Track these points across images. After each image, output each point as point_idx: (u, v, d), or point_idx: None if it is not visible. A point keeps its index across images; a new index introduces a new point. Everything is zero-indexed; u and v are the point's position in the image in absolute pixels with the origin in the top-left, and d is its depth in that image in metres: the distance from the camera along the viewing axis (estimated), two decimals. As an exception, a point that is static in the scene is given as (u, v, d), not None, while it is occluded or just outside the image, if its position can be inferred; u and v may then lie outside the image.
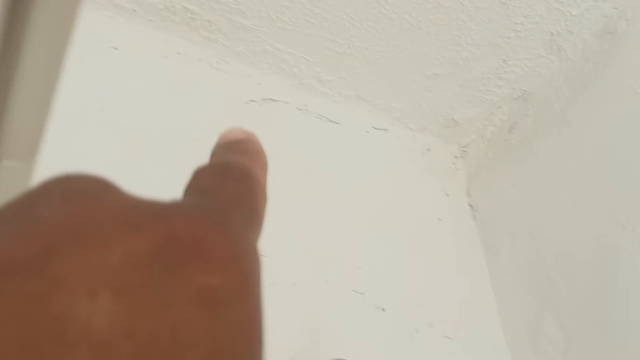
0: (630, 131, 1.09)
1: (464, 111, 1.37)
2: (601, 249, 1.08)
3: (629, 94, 1.10)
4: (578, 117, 1.19)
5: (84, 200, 0.20)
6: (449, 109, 1.36)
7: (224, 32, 1.19)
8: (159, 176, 1.01)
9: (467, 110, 1.37)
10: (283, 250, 1.04)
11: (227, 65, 1.21)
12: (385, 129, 1.35)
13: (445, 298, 1.19)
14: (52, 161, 0.91)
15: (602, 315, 1.05)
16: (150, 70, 1.13)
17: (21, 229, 0.18)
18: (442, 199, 1.34)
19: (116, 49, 1.11)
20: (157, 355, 0.16)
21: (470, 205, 1.37)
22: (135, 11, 1.15)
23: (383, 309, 1.08)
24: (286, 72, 1.25)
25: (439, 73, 1.28)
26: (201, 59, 1.20)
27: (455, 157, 1.42)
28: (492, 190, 1.35)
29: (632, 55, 1.12)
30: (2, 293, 0.16)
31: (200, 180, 0.26)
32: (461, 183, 1.40)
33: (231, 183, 0.25)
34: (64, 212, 0.19)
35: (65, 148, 0.95)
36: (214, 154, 0.30)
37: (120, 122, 1.05)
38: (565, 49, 1.24)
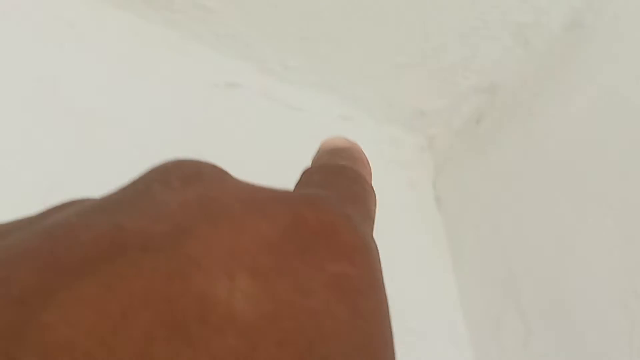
0: (594, 125, 1.08)
1: (431, 102, 1.35)
2: (563, 242, 1.08)
3: (595, 87, 1.10)
4: (544, 110, 1.19)
5: (203, 183, 0.19)
6: (416, 99, 1.35)
7: (186, 13, 1.15)
8: (115, 161, 0.97)
9: (434, 101, 1.35)
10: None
11: (189, 48, 1.18)
12: (351, 118, 1.33)
13: (406, 289, 1.17)
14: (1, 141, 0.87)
15: (562, 307, 1.05)
16: (108, 51, 1.09)
17: (146, 211, 0.17)
18: (408, 190, 1.33)
19: (72, 27, 1.07)
20: (304, 344, 0.15)
21: (436, 197, 1.36)
22: (94, -12, 1.11)
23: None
24: (250, 56, 1.22)
25: (406, 62, 1.26)
26: (162, 41, 1.16)
27: (422, 148, 1.41)
28: (458, 182, 1.34)
29: (599, 49, 1.12)
30: (142, 270, 0.15)
31: (313, 177, 0.25)
32: (427, 175, 1.39)
33: (346, 181, 0.24)
34: (186, 195, 0.18)
35: (13, 127, 0.91)
36: (318, 159, 0.29)
37: (75, 104, 1.01)
38: (533, 41, 1.24)
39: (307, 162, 1.10)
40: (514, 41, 1.24)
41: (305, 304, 0.16)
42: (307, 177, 0.27)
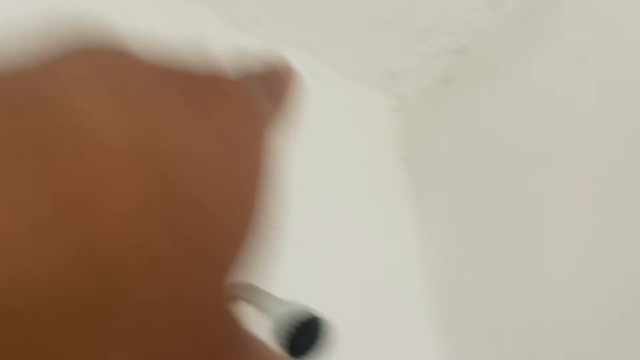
0: (561, 86, 1.09)
1: (402, 62, 1.36)
2: (528, 201, 1.09)
3: (563, 51, 1.10)
4: (513, 71, 1.19)
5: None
6: (387, 59, 1.35)
7: (155, -40, 1.14)
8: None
9: (405, 62, 1.36)
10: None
11: (159, -5, 1.17)
12: (321, 75, 1.33)
13: (371, 246, 1.18)
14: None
15: (518, 265, 1.06)
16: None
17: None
18: (376, 149, 1.33)
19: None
20: (168, 170, 0.16)
21: (404, 158, 1.36)
22: None
23: (304, 248, 1.06)
24: (220, 7, 1.22)
25: (378, 21, 1.26)
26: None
27: (391, 108, 1.41)
28: (426, 143, 1.35)
29: (567, 11, 1.12)
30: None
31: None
32: (396, 135, 1.39)
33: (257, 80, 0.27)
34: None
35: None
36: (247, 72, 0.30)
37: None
38: (504, 3, 1.24)
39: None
40: (485, 3, 1.24)
41: (176, 135, 0.16)
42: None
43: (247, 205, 0.19)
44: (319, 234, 1.11)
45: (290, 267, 1.04)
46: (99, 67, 0.17)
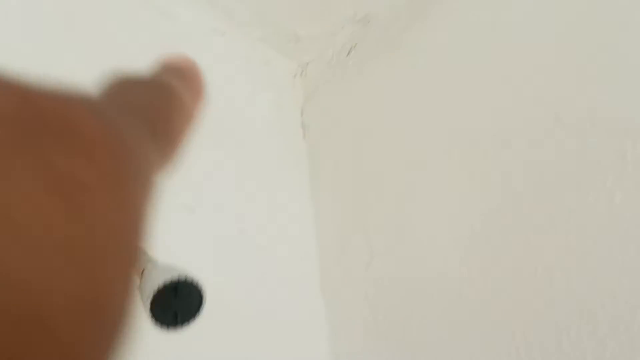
0: (457, 60, 1.12)
1: (307, 28, 1.34)
2: (413, 174, 1.12)
3: (457, 24, 1.13)
4: (411, 43, 1.21)
5: None
6: (292, 23, 1.33)
7: None
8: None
9: (310, 27, 1.34)
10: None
11: None
12: (225, 33, 1.29)
13: (262, 208, 1.18)
14: None
15: (403, 236, 1.10)
16: None
17: None
18: (275, 113, 1.32)
19: None
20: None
21: (302, 124, 1.36)
22: None
23: (193, 210, 1.04)
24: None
25: (285, -18, 1.24)
26: None
27: (294, 74, 1.40)
28: (325, 111, 1.35)
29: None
30: None
31: (117, 88, 0.24)
32: (296, 101, 1.38)
33: (150, 95, 0.24)
34: None
35: None
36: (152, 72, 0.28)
37: None
38: (409, -23, 1.25)
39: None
40: (391, -26, 1.25)
41: (9, 191, 0.14)
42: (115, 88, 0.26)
43: (101, 324, 0.15)
44: (210, 196, 1.10)
45: (181, 228, 1.02)
46: None
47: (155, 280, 0.70)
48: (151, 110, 0.23)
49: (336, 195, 1.25)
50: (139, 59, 1.10)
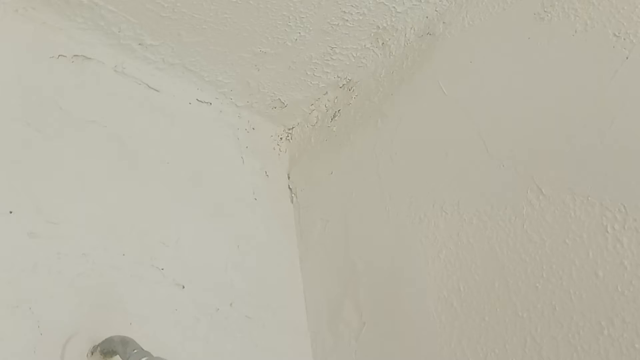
0: (434, 129, 1.15)
1: (291, 93, 1.37)
2: (400, 239, 1.14)
3: (438, 93, 1.16)
4: (393, 110, 1.24)
5: None
6: (277, 89, 1.35)
7: (33, -23, 1.08)
8: None
9: (294, 93, 1.37)
10: (77, 219, 0.97)
11: (35, 13, 1.10)
12: (209, 103, 1.31)
13: (252, 278, 1.18)
14: None
15: (395, 302, 1.11)
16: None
17: None
18: (262, 179, 1.34)
19: None
20: None
21: (290, 188, 1.38)
22: None
23: (183, 286, 1.05)
24: (104, 29, 1.16)
25: (267, 52, 1.26)
26: (5, 2, 1.07)
27: (280, 138, 1.42)
28: (311, 174, 1.37)
29: (445, 57, 1.18)
30: None
31: None
32: (283, 165, 1.40)
33: None
34: None
35: None
36: None
37: None
38: (389, 44, 1.28)
39: (158, 144, 1.07)
40: (372, 42, 1.28)
41: None
42: None
43: None
44: (200, 269, 1.10)
45: (169, 306, 1.02)
46: None
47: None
48: None
49: (325, 260, 1.25)
50: (125, 133, 1.11)
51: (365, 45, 1.28)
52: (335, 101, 1.37)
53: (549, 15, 1.04)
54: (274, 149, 1.41)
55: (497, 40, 1.10)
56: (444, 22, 1.20)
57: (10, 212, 0.89)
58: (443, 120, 1.14)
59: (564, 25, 1.01)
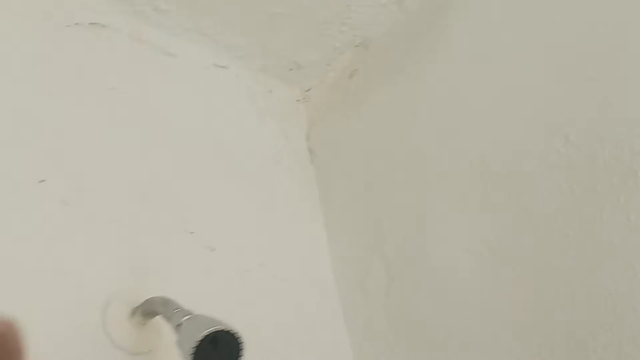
0: (457, 82, 1.14)
1: (307, 54, 1.36)
2: (425, 193, 1.14)
3: (457, 47, 1.15)
4: (412, 66, 1.23)
5: None
6: (293, 51, 1.34)
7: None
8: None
9: (310, 54, 1.36)
10: (106, 186, 0.97)
11: (50, -19, 1.09)
12: (226, 67, 1.30)
13: (278, 238, 1.19)
14: None
15: (423, 256, 1.12)
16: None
17: None
18: (282, 141, 1.33)
19: None
20: None
21: (309, 149, 1.38)
22: None
23: (213, 249, 1.06)
24: (118, -4, 1.15)
25: (283, 12, 1.25)
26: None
27: (297, 100, 1.42)
28: (330, 135, 1.36)
29: (462, 11, 1.17)
30: None
31: None
32: (301, 127, 1.40)
33: None
34: None
35: None
36: None
37: None
38: (406, 0, 1.27)
39: (178, 109, 1.06)
40: (389, -1, 1.27)
41: None
42: None
43: None
44: (228, 232, 1.11)
45: (201, 268, 1.03)
46: None
47: (193, 334, 0.72)
48: None
49: (349, 220, 1.26)
50: (145, 99, 1.11)
51: (381, 2, 1.26)
52: (352, 60, 1.36)
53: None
54: (292, 111, 1.40)
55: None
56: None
57: (43, 181, 0.90)
58: (464, 73, 1.13)
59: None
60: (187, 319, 0.75)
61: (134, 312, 0.86)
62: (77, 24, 1.11)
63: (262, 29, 1.28)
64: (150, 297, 0.86)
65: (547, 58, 1.01)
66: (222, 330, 0.73)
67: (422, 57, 1.22)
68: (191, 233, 1.04)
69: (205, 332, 0.71)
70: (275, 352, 1.04)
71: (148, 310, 0.84)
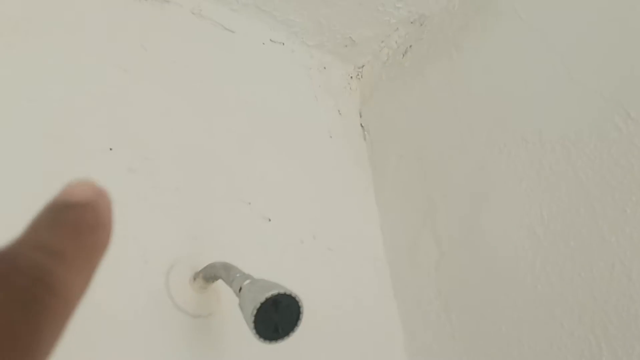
0: (513, 57, 1.13)
1: (361, 31, 1.37)
2: (479, 170, 1.14)
3: (516, 21, 1.14)
4: (469, 42, 1.22)
5: None
6: (347, 27, 1.35)
7: None
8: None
9: (364, 30, 1.37)
10: (169, 155, 1.01)
11: (116, -42, 1.13)
12: (282, 43, 1.33)
13: (331, 211, 1.21)
14: None
15: (475, 232, 1.12)
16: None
17: None
18: (335, 116, 1.35)
19: None
20: None
21: (362, 125, 1.39)
22: None
23: (269, 219, 1.09)
24: (179, -28, 1.19)
25: (339, -11, 1.26)
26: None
27: (351, 77, 1.43)
28: (383, 111, 1.37)
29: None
30: None
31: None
32: (354, 103, 1.41)
33: None
34: None
35: None
36: (35, 220, 0.22)
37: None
38: (462, -24, 1.26)
39: (236, 84, 1.09)
40: (445, -26, 1.26)
41: None
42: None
43: None
44: (283, 203, 1.14)
45: (257, 238, 1.06)
46: None
47: (255, 297, 0.75)
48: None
49: (400, 195, 1.27)
50: (205, 73, 1.14)
51: (437, -22, 1.26)
52: (407, 37, 1.36)
53: None
54: (345, 87, 1.42)
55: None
56: (520, -51, 1.17)
57: (111, 149, 0.94)
58: (522, 48, 1.12)
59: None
60: (248, 283, 0.78)
61: (195, 276, 0.90)
62: (142, -1, 1.15)
63: (317, 6, 1.30)
64: (211, 262, 0.89)
65: (609, 30, 0.99)
66: (283, 294, 0.75)
67: (478, 34, 1.21)
68: (248, 203, 1.07)
69: (268, 295, 0.74)
70: (328, 321, 1.07)
71: (209, 274, 0.88)
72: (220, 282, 0.87)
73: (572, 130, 1.00)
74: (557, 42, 1.06)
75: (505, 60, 1.15)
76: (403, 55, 1.36)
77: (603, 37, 1.00)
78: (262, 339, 0.74)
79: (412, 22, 1.35)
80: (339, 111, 1.36)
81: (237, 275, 0.81)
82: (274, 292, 0.74)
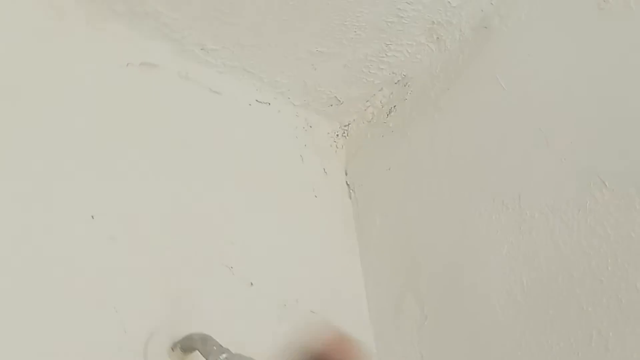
0: (493, 122, 1.15)
1: (346, 91, 1.39)
2: (460, 233, 1.15)
3: (496, 87, 1.16)
4: (450, 104, 1.25)
5: None
6: (333, 87, 1.38)
7: (100, -12, 1.13)
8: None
9: (349, 90, 1.39)
10: (151, 221, 1.02)
11: (106, 24, 1.16)
12: (268, 103, 1.35)
13: (315, 273, 1.22)
14: None
15: (457, 296, 1.12)
16: (19, 22, 1.06)
17: None
18: (321, 175, 1.37)
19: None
20: None
21: (347, 183, 1.41)
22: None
23: (251, 283, 1.09)
24: (168, 37, 1.21)
25: (324, 51, 1.29)
26: (77, 16, 1.13)
27: (337, 135, 1.45)
28: (368, 170, 1.39)
29: (501, 50, 1.18)
30: None
31: None
32: (340, 161, 1.43)
33: None
34: None
35: None
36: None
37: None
38: (444, 39, 1.29)
39: (221, 145, 1.10)
40: (427, 38, 1.29)
41: None
42: None
43: None
44: (267, 266, 1.14)
45: (238, 304, 1.06)
46: None
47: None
48: None
49: (385, 255, 1.28)
50: (191, 135, 1.16)
51: (420, 41, 1.29)
52: (391, 97, 1.39)
53: (609, 4, 1.03)
54: (331, 145, 1.43)
55: (556, 32, 1.10)
56: (499, 15, 1.20)
57: (92, 217, 0.95)
58: (502, 114, 1.14)
59: (625, 15, 1.00)
60: (224, 358, 0.78)
61: (174, 346, 0.90)
62: (129, 64, 1.17)
63: (303, 67, 1.32)
64: (190, 332, 0.89)
65: (585, 99, 1.01)
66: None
67: (460, 95, 1.24)
68: (230, 267, 1.08)
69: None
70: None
71: (187, 345, 0.88)
72: (198, 353, 0.87)
73: (550, 197, 1.01)
74: (535, 109, 1.08)
75: (485, 124, 1.17)
76: (387, 115, 1.38)
77: (577, 105, 1.02)
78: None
79: (396, 83, 1.37)
80: (324, 170, 1.38)
81: (214, 348, 0.81)
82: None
